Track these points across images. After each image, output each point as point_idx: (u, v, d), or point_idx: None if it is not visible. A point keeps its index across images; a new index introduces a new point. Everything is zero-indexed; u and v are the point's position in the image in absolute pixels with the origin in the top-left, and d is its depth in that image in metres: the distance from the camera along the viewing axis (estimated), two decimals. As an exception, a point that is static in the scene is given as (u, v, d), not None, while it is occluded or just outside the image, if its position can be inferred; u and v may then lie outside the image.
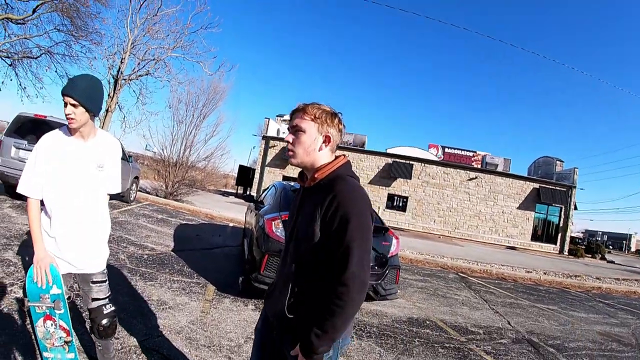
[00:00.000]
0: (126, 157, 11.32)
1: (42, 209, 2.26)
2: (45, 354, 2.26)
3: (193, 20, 20.18)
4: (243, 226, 9.31)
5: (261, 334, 1.84)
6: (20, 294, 3.64)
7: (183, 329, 3.75)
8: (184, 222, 10.69)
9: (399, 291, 5.48)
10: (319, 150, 1.65)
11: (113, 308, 2.48)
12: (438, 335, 4.88)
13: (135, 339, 3.31)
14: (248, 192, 29.41)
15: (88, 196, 2.28)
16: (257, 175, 27.98)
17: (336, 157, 1.70)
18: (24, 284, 2.22)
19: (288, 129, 1.71)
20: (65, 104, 2.08)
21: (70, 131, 2.24)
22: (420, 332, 4.90)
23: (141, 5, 19.94)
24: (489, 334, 5.26)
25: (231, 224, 12.03)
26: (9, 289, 3.77)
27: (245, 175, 30.70)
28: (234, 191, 32.33)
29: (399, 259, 5.65)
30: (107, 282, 2.48)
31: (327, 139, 1.65)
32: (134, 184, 12.39)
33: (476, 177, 26.37)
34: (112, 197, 2.47)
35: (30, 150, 7.33)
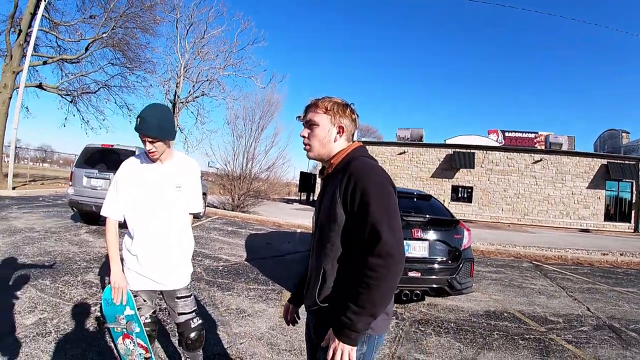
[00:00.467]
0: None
1: (125, 232, 2.40)
2: None
3: (239, 37, 20.93)
4: (312, 231, 9.55)
5: (308, 341, 1.84)
6: (101, 313, 3.99)
7: (264, 334, 3.92)
8: (253, 232, 11.12)
9: (473, 284, 5.48)
10: (334, 142, 1.68)
11: (200, 321, 2.58)
12: (517, 327, 4.85)
13: (219, 347, 3.52)
14: (311, 198, 29.88)
15: (165, 217, 2.37)
16: (318, 180, 28.04)
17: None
18: (101, 307, 2.43)
19: (303, 124, 1.75)
20: (144, 142, 2.23)
21: (147, 157, 2.37)
22: (499, 325, 4.89)
23: (187, 31, 21.02)
24: (569, 322, 5.14)
25: (299, 230, 12.34)
26: (92, 308, 4.09)
27: (306, 181, 31.03)
28: (297, 198, 32.84)
29: (472, 251, 5.64)
30: (192, 296, 2.58)
31: (340, 129, 1.68)
32: (203, 200, 13.00)
33: (541, 159, 24.96)
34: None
35: (101, 178, 8.03)
